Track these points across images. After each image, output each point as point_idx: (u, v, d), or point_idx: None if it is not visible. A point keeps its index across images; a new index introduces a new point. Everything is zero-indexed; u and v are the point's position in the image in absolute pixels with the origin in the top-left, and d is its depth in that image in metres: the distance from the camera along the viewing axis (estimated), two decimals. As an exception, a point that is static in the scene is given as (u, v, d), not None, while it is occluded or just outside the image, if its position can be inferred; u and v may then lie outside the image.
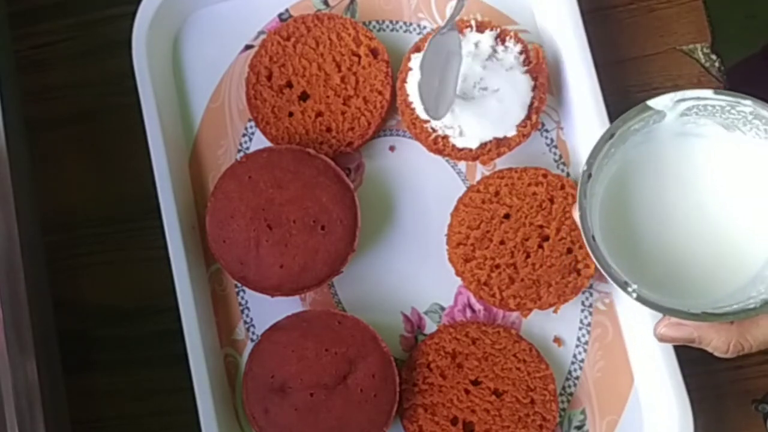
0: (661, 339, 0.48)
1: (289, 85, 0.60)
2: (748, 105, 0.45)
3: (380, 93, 0.59)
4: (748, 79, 0.84)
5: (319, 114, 0.60)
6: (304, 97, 0.60)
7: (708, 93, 0.45)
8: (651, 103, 0.46)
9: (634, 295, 0.44)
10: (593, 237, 0.45)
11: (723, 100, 0.45)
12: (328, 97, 0.60)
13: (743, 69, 0.85)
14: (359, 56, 0.60)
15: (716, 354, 0.47)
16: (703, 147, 0.48)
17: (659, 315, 0.56)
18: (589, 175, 0.45)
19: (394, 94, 0.59)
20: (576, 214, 0.46)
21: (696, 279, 0.47)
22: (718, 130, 0.47)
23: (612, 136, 0.46)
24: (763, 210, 0.47)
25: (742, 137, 0.47)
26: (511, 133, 0.57)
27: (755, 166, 0.47)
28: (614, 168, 0.48)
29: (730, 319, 0.44)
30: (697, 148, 0.48)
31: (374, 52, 0.60)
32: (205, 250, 0.61)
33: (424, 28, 0.62)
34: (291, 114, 0.60)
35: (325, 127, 0.59)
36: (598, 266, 0.45)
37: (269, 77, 0.60)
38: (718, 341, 0.46)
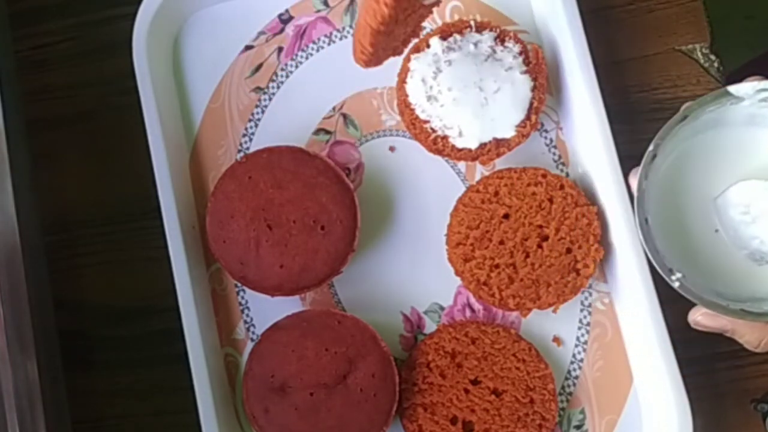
0: (695, 325, 0.49)
1: None
2: None
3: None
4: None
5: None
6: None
7: None
8: (732, 89, 0.46)
9: (677, 283, 0.45)
10: (646, 220, 0.45)
11: None
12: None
13: (750, 70, 0.85)
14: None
15: (746, 347, 0.48)
16: None
17: (658, 316, 0.56)
18: (654, 156, 0.45)
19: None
20: (635, 194, 0.46)
21: (738, 273, 0.47)
22: None
23: (685, 118, 0.46)
24: None
25: None
26: (511, 133, 0.57)
27: None
28: (675, 152, 0.47)
29: (766, 320, 0.45)
30: (765, 139, 0.48)
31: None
32: (205, 250, 0.61)
33: (424, 28, 0.62)
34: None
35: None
36: (646, 250, 0.45)
37: None
38: (750, 336, 0.48)
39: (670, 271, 0.45)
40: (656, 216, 0.47)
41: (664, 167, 0.47)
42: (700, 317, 0.48)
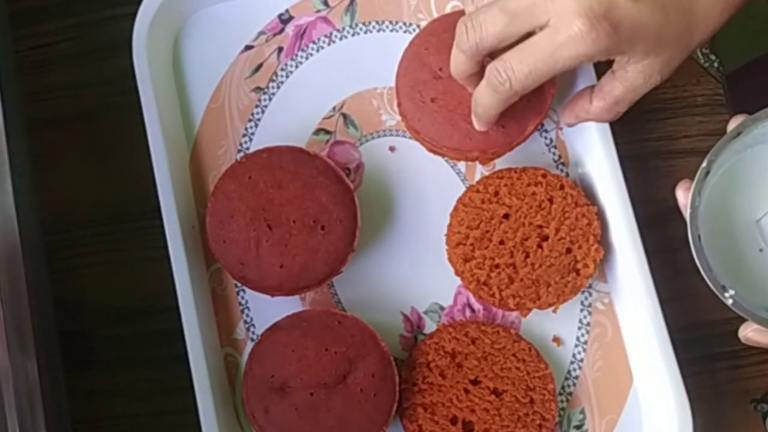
0: (746, 341, 0.48)
1: None
2: None
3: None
4: (757, 79, 0.84)
5: None
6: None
7: None
8: None
9: (730, 300, 0.44)
10: (699, 237, 0.45)
11: None
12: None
13: (752, 70, 0.85)
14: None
15: None
16: None
17: (658, 316, 0.56)
18: (707, 173, 0.45)
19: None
20: (684, 204, 0.46)
21: None
22: None
23: (738, 134, 0.45)
24: None
25: None
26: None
27: None
28: (724, 167, 0.47)
29: None
30: None
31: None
32: (205, 250, 0.61)
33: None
34: None
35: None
36: (699, 268, 0.45)
37: None
38: None
39: (723, 288, 0.45)
40: (708, 232, 0.46)
41: (712, 183, 0.47)
42: (751, 333, 0.48)
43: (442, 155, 0.58)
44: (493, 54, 0.48)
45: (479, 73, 0.50)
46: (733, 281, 0.46)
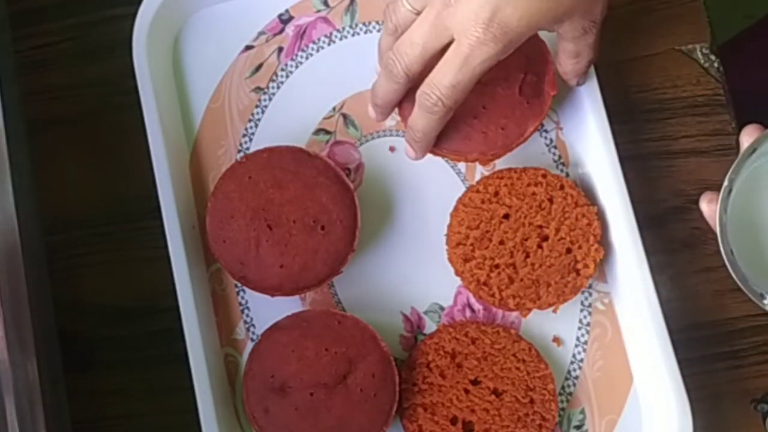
0: None
1: None
2: None
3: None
4: (743, 52, 0.84)
5: None
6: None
7: None
8: None
9: None
10: (731, 251, 0.46)
11: None
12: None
13: (738, 43, 0.86)
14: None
15: None
16: None
17: (658, 316, 0.56)
18: (730, 191, 0.46)
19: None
20: (710, 215, 0.48)
21: None
22: None
23: (754, 151, 0.47)
24: None
25: None
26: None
27: None
28: (743, 181, 0.48)
29: None
30: None
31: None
32: (205, 250, 0.61)
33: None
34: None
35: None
36: (737, 281, 0.46)
37: None
38: None
39: (761, 296, 0.46)
40: (735, 245, 0.48)
41: (734, 195, 0.48)
42: None
43: (442, 156, 0.58)
44: (415, 85, 0.52)
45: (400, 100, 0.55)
46: (764, 286, 0.47)
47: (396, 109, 0.59)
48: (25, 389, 0.53)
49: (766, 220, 0.49)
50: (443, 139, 0.56)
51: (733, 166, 0.46)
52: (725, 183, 0.46)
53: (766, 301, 0.46)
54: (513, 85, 0.56)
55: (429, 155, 0.59)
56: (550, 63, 0.56)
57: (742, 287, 0.46)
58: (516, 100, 0.55)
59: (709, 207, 0.50)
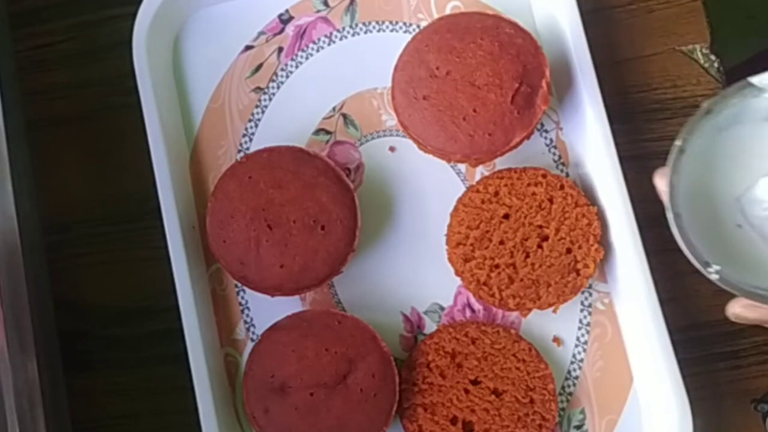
0: (735, 318, 0.48)
1: None
2: None
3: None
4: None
5: None
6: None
7: None
8: (754, 80, 0.46)
9: (716, 276, 0.45)
10: (679, 214, 0.45)
11: None
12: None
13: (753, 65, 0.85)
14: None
15: None
16: None
17: (658, 316, 0.56)
18: (681, 150, 0.45)
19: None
20: (663, 190, 0.46)
21: None
22: None
23: (709, 111, 0.46)
24: None
25: None
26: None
27: None
28: (700, 149, 0.47)
29: None
30: None
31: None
32: (205, 250, 0.61)
33: (424, 28, 0.62)
34: None
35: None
36: (681, 245, 0.45)
37: None
38: None
39: (707, 264, 0.45)
40: (687, 211, 0.47)
41: (691, 164, 0.47)
42: (740, 309, 0.48)
43: (429, 153, 0.58)
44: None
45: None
46: (719, 258, 0.46)
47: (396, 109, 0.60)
48: (25, 389, 0.53)
49: (721, 193, 0.48)
50: (430, 136, 0.56)
51: (685, 126, 0.46)
52: (677, 142, 0.45)
53: (710, 269, 0.45)
54: (506, 93, 0.55)
55: (429, 156, 0.59)
56: (546, 77, 0.56)
57: (686, 252, 0.45)
58: (507, 108, 0.55)
59: (662, 182, 0.47)
